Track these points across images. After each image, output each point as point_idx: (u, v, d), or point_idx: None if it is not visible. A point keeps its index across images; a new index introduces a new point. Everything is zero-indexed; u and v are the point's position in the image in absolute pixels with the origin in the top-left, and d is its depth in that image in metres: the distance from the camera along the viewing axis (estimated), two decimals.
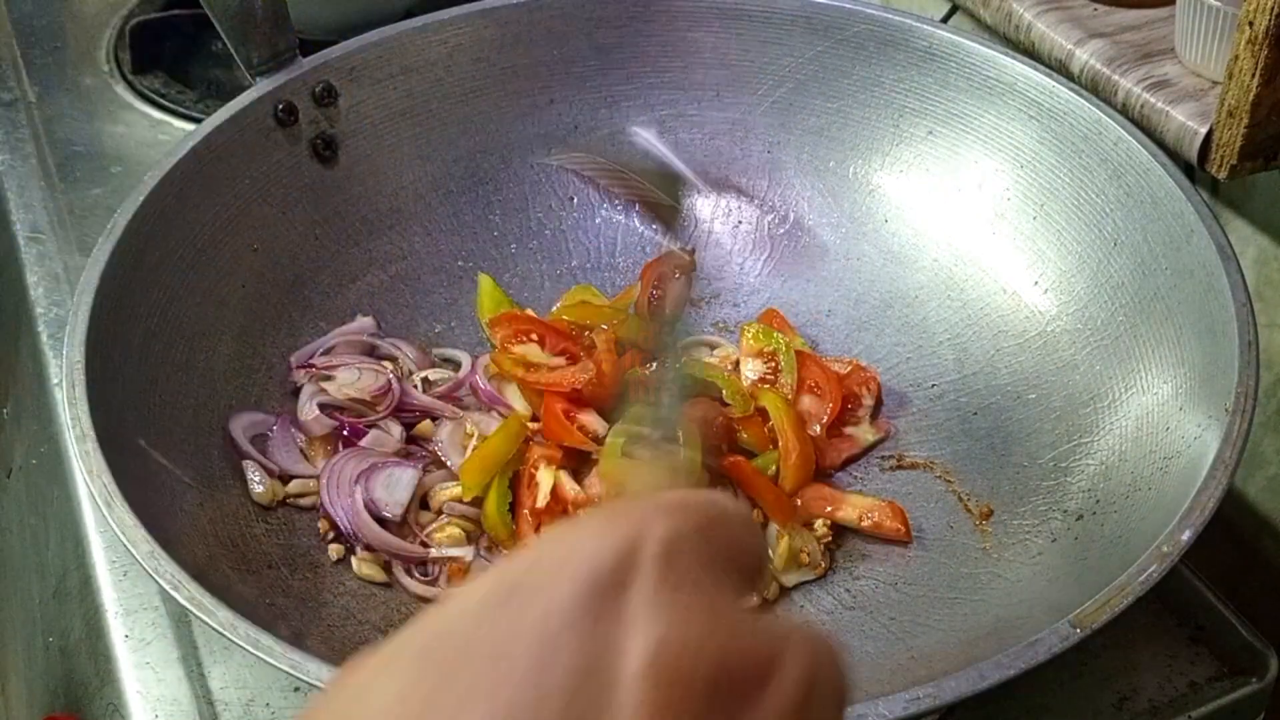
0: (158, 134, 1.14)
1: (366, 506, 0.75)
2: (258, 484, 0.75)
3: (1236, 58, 0.69)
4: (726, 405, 0.80)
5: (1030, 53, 0.88)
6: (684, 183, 0.86)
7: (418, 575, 0.74)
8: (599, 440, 0.77)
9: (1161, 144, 0.78)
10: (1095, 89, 0.83)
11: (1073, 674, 0.72)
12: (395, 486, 0.76)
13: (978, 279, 0.86)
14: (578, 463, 0.77)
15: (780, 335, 0.84)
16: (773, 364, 0.83)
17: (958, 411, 0.82)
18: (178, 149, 0.80)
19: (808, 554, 0.74)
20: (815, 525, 0.76)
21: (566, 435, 0.77)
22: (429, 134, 0.92)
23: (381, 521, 0.75)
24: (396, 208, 0.91)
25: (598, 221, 0.95)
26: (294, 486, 0.77)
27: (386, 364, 0.84)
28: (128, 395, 0.71)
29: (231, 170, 0.83)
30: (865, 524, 0.76)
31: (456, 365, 0.86)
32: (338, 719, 0.30)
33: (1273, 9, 0.66)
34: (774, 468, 0.77)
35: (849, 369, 0.84)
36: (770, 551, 0.74)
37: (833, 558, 0.75)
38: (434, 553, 0.74)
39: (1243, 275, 0.70)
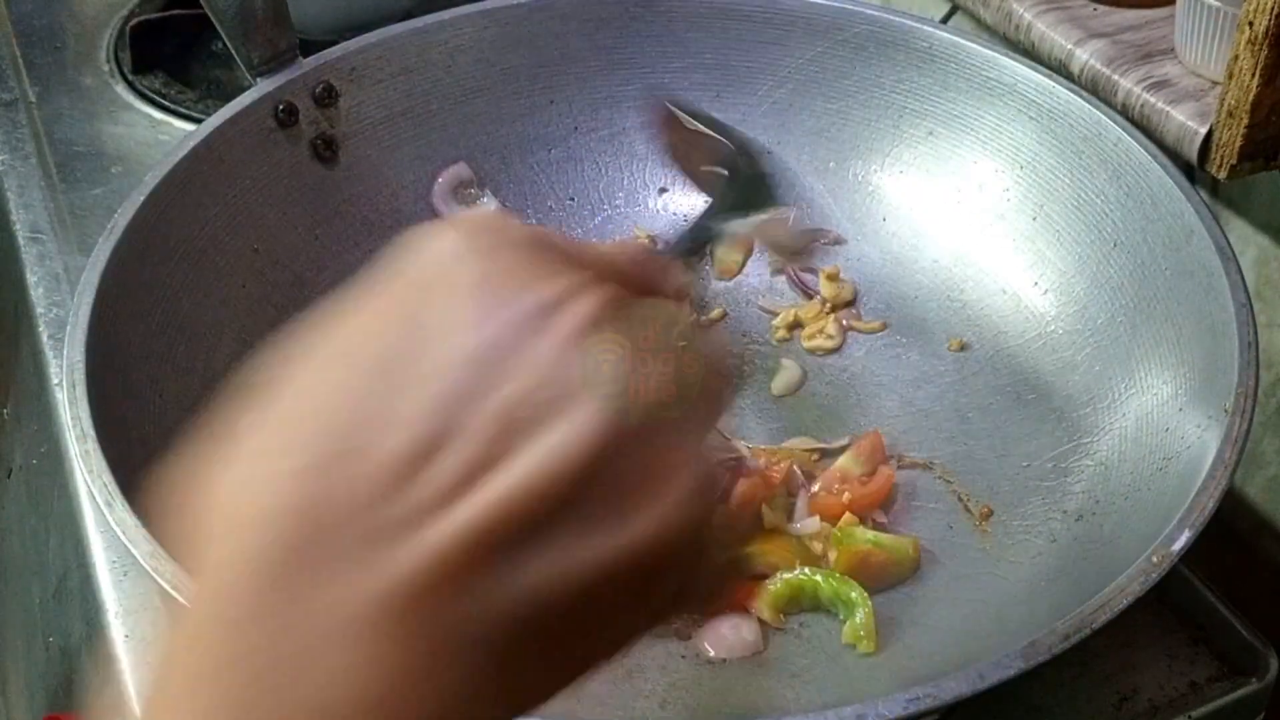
0: (158, 134, 1.14)
1: None
2: None
3: (1236, 58, 0.69)
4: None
5: (1030, 53, 0.88)
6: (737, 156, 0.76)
7: None
8: None
9: (1161, 144, 0.78)
10: (1095, 89, 0.83)
11: (1073, 674, 0.72)
12: None
13: (978, 279, 0.86)
14: None
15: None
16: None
17: (958, 411, 0.82)
18: (178, 149, 0.80)
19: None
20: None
21: None
22: (429, 134, 0.92)
23: None
24: (396, 208, 0.91)
25: (598, 221, 0.95)
26: None
27: None
28: (128, 395, 0.71)
29: (232, 170, 0.83)
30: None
31: None
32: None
33: (1273, 9, 0.66)
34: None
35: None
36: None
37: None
38: None
39: (1242, 275, 0.70)
